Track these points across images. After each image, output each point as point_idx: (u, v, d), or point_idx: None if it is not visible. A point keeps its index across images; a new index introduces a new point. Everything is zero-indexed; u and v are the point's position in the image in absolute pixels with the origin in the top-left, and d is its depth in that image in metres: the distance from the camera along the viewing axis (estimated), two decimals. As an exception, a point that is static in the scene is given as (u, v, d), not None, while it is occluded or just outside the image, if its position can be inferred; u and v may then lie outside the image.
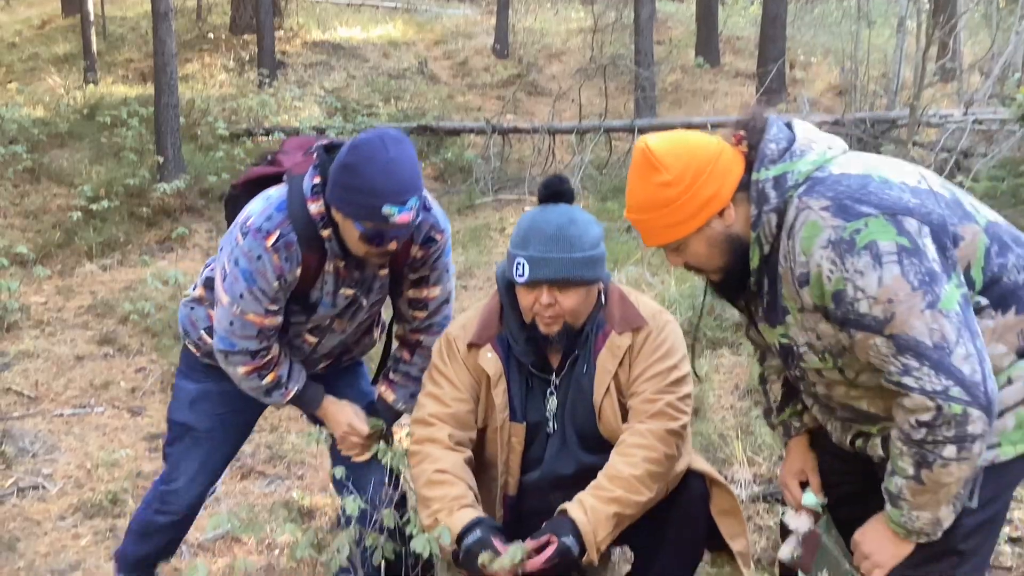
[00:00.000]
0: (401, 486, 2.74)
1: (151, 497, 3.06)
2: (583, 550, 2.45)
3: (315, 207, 2.64)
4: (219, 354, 2.78)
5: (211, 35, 14.76)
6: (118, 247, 7.64)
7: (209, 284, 2.91)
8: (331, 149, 2.69)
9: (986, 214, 2.13)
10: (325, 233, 2.66)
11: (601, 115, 11.54)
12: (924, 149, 8.78)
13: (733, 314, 5.67)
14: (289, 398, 2.85)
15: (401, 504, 2.77)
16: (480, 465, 2.76)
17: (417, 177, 2.58)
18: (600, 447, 2.66)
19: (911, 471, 2.02)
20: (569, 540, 2.44)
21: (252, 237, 2.63)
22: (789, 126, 2.16)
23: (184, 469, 2.97)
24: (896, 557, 2.18)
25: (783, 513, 2.50)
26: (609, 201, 9.09)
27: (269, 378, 2.80)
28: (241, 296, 2.67)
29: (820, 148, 2.10)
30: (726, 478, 3.89)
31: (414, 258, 2.85)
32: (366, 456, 2.90)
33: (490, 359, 2.67)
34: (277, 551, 3.60)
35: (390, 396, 3.00)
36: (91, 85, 12.17)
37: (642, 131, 10.36)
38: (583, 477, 2.61)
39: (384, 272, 2.85)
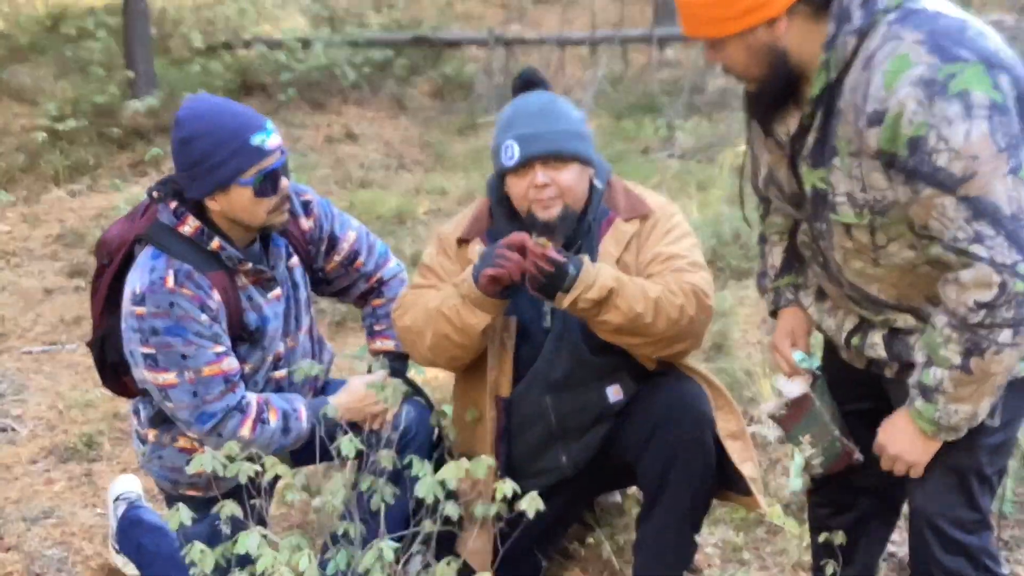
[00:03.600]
0: (401, 426, 2.74)
1: None
2: (570, 287, 2.51)
3: (188, 227, 2.68)
4: (210, 438, 2.70)
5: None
6: (87, 171, 7.59)
7: (155, 421, 2.87)
8: (161, 187, 2.74)
9: None
10: (215, 245, 2.69)
11: (616, 24, 11.37)
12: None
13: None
14: (305, 419, 2.79)
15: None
16: (472, 368, 2.83)
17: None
18: (605, 343, 2.71)
19: (958, 360, 2.01)
20: (572, 271, 2.51)
21: (149, 296, 2.63)
22: None
23: None
24: (928, 453, 2.21)
25: (775, 378, 2.52)
26: (625, 120, 9.00)
27: (273, 418, 2.75)
28: (183, 357, 2.64)
29: None
30: (751, 419, 3.90)
31: (310, 230, 2.96)
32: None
33: (479, 251, 2.73)
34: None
35: (388, 344, 3.03)
36: (53, -7, 12.00)
37: (662, 41, 10.22)
38: (579, 379, 2.73)
39: (295, 261, 2.93)
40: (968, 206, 1.89)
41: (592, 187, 2.76)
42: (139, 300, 2.63)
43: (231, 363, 2.71)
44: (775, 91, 2.12)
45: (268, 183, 2.66)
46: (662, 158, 7.88)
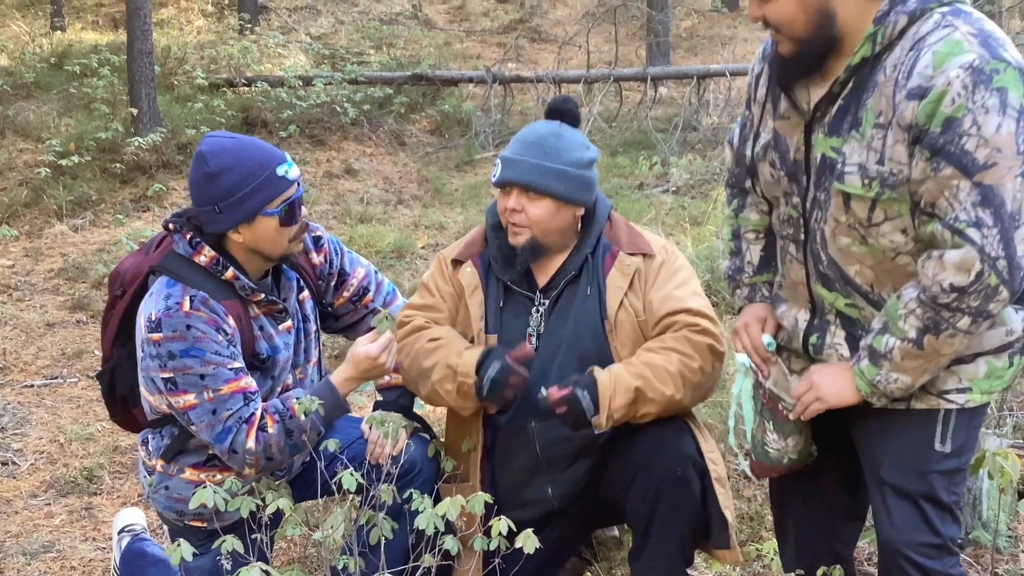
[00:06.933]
0: (401, 461, 2.72)
1: None
2: (597, 408, 2.61)
3: (204, 257, 2.70)
4: (230, 456, 2.67)
5: (187, -23, 14.63)
6: (90, 206, 7.60)
7: (163, 452, 2.83)
8: (176, 219, 2.75)
9: None
10: (229, 275, 2.70)
11: (611, 63, 11.46)
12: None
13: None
14: (300, 414, 2.69)
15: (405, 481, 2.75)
16: None
17: None
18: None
19: (913, 334, 2.08)
20: (582, 393, 2.61)
21: (165, 321, 2.62)
22: None
23: None
24: (841, 401, 2.26)
25: (739, 358, 2.55)
26: (620, 156, 9.04)
27: (271, 424, 2.68)
28: (202, 377, 2.63)
29: None
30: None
31: (320, 265, 3.00)
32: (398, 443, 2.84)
33: (468, 272, 2.88)
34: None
35: (396, 376, 2.99)
36: (58, 32, 12.10)
37: (655, 80, 10.30)
38: None
39: (305, 295, 2.95)
40: (980, 192, 1.96)
41: (589, 221, 2.82)
42: (155, 327, 2.62)
43: (249, 381, 2.70)
44: (813, 54, 2.14)
45: (291, 212, 2.70)
46: (656, 194, 7.91)
